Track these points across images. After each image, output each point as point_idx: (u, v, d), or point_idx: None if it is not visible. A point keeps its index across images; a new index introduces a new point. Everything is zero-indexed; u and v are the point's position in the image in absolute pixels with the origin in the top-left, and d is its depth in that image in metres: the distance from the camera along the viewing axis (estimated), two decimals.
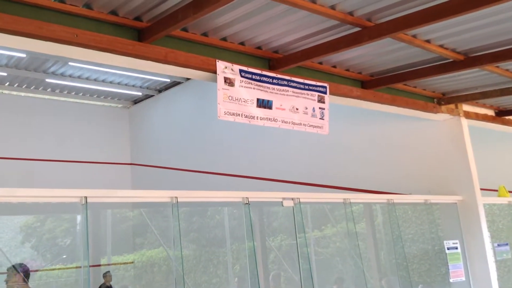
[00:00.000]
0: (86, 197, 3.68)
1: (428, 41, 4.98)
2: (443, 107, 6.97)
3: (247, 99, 4.73)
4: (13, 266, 5.12)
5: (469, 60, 5.44)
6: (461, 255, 6.55)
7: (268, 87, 4.92)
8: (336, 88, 5.59)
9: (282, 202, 5.10)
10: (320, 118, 5.31)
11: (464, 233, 6.70)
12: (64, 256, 11.47)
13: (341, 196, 5.85)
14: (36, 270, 10.45)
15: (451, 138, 7.04)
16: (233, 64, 4.70)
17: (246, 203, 4.72)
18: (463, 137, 6.92)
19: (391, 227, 6.28)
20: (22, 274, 5.01)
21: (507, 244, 7.20)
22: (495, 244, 6.93)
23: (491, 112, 7.96)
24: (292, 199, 5.12)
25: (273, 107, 4.93)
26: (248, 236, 4.76)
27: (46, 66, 11.11)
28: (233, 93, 4.63)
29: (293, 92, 5.10)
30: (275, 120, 4.95)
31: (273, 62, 5.20)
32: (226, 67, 4.64)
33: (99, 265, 10.09)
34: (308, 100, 5.22)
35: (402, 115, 6.93)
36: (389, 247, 6.72)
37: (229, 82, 4.63)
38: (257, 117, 4.80)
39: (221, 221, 9.64)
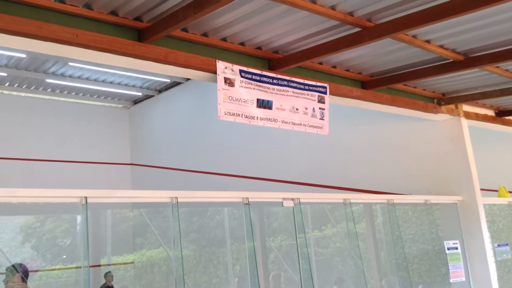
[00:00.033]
0: (86, 197, 3.68)
1: (428, 41, 4.98)
2: (443, 108, 6.97)
3: (247, 99, 4.73)
4: (13, 265, 5.12)
5: (469, 60, 5.44)
6: (461, 255, 6.55)
7: (268, 88, 4.92)
8: (336, 88, 5.59)
9: (282, 202, 5.10)
10: (320, 119, 5.31)
11: (464, 233, 6.70)
12: (64, 256, 11.46)
13: (341, 196, 5.85)
14: (36, 270, 10.45)
15: (451, 139, 7.04)
16: (233, 65, 4.71)
17: (246, 203, 4.72)
18: (463, 138, 6.92)
19: (391, 227, 6.28)
20: (22, 274, 5.01)
21: (507, 245, 7.20)
22: (495, 245, 6.93)
23: (491, 112, 7.96)
24: (292, 199, 5.12)
25: (273, 107, 4.93)
26: (248, 236, 4.76)
27: (46, 66, 11.11)
28: (233, 94, 4.63)
29: (293, 92, 5.11)
30: (275, 120, 4.95)
31: (273, 63, 5.20)
32: (226, 68, 4.64)
33: (99, 265, 10.09)
34: (308, 100, 5.23)
35: (402, 115, 6.93)
36: (389, 247, 6.72)
37: (229, 82, 4.63)
38: (257, 118, 4.80)
39: (221, 221, 9.64)
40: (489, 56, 5.30)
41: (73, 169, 12.44)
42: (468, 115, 7.22)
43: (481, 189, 6.85)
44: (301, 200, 5.16)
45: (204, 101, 11.50)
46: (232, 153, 10.76)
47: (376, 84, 6.11)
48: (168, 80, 12.49)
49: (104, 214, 10.11)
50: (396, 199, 6.33)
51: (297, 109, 5.12)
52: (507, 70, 6.02)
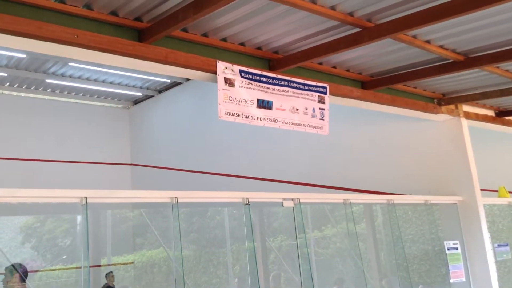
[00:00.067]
0: (86, 198, 3.68)
1: (428, 41, 4.98)
2: (443, 108, 6.97)
3: (247, 100, 4.73)
4: (13, 265, 5.12)
5: (469, 60, 5.44)
6: (461, 255, 6.55)
7: (268, 88, 4.92)
8: (336, 88, 5.59)
9: (282, 202, 5.10)
10: (320, 119, 5.31)
11: (464, 234, 6.70)
12: (64, 257, 11.46)
13: (341, 196, 5.85)
14: (36, 271, 10.45)
15: (451, 139, 7.04)
16: (233, 65, 4.71)
17: (246, 204, 4.72)
18: (463, 138, 6.92)
19: (391, 228, 6.28)
20: (22, 274, 5.01)
21: (507, 245, 7.20)
22: (495, 245, 6.93)
23: (491, 113, 7.96)
24: (292, 199, 5.12)
25: (273, 107, 4.93)
26: (248, 236, 4.76)
27: (46, 66, 11.11)
28: (233, 94, 4.63)
29: (293, 92, 5.11)
30: (275, 120, 4.95)
31: (273, 63, 5.20)
32: (226, 68, 4.64)
33: (99, 266, 10.09)
34: (308, 100, 5.23)
35: (402, 115, 6.93)
36: (389, 247, 6.72)
37: (229, 82, 4.64)
38: (257, 118, 4.80)
39: (221, 221, 9.64)
40: (489, 56, 5.31)
41: (73, 169, 12.44)
42: (468, 115, 7.22)
43: (481, 190, 6.85)
44: (301, 200, 5.16)
45: (204, 101, 11.50)
46: (232, 153, 10.76)
47: (376, 84, 6.11)
48: (168, 80, 12.49)
49: (104, 214, 10.10)
50: (396, 199, 6.33)
51: (297, 109, 5.12)
52: (507, 71, 6.02)
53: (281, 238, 8.94)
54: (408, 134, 7.49)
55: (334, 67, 5.72)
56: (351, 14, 4.32)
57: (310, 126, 5.23)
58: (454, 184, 6.88)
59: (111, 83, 12.50)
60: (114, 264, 10.59)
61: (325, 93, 5.37)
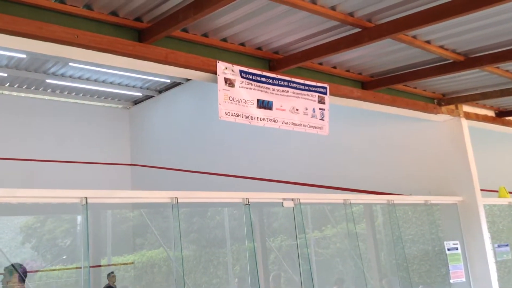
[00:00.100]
0: (86, 198, 3.68)
1: (428, 42, 4.98)
2: (443, 108, 6.97)
3: (247, 100, 4.73)
4: (12, 265, 5.12)
5: (469, 61, 5.44)
6: (462, 256, 6.55)
7: (268, 88, 4.92)
8: (336, 89, 5.59)
9: (282, 202, 5.10)
10: (320, 119, 5.31)
11: (464, 234, 6.70)
12: (64, 257, 11.46)
13: (341, 196, 5.85)
14: (36, 271, 10.45)
15: (451, 139, 7.04)
16: (233, 65, 4.71)
17: (246, 204, 4.72)
18: (463, 138, 6.92)
19: (391, 228, 6.28)
20: (22, 274, 5.01)
21: (507, 245, 7.20)
22: (496, 245, 6.93)
23: (491, 113, 7.96)
24: (292, 199, 5.12)
25: (273, 107, 4.94)
26: (248, 236, 4.76)
27: (46, 66, 11.11)
28: (233, 94, 4.64)
29: (293, 92, 5.11)
30: (275, 120, 4.95)
31: (273, 63, 5.20)
32: (226, 68, 4.64)
33: (99, 266, 10.09)
34: (308, 100, 5.23)
35: (402, 116, 6.93)
36: (389, 247, 6.72)
37: (229, 82, 4.64)
38: (257, 118, 4.80)
39: (221, 221, 9.65)
40: (489, 56, 5.31)
41: (73, 169, 12.44)
42: (468, 116, 7.22)
43: (481, 190, 6.85)
44: (301, 201, 5.16)
45: (204, 101, 11.50)
46: (232, 153, 10.76)
47: (376, 85, 6.11)
48: (168, 81, 12.49)
49: (104, 214, 10.11)
50: (396, 199, 6.33)
51: (297, 110, 5.12)
52: (507, 71, 6.02)
53: (281, 238, 8.94)
54: (408, 134, 7.50)
55: (334, 67, 5.72)
56: (351, 14, 4.32)
57: (310, 127, 5.23)
58: (454, 184, 6.88)
59: (111, 83, 12.51)
60: (114, 265, 10.59)
61: (325, 93, 5.37)
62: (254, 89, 4.80)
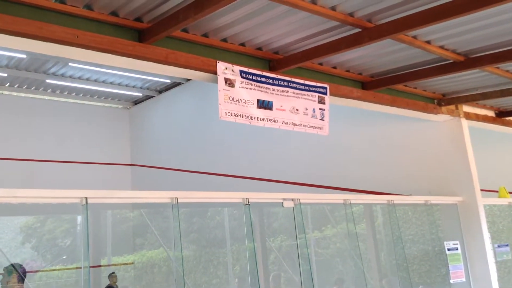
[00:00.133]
0: (86, 198, 3.68)
1: (428, 42, 4.98)
2: (443, 108, 6.97)
3: (247, 100, 4.73)
4: (12, 265, 5.12)
5: (469, 61, 5.44)
6: (462, 256, 6.55)
7: (268, 88, 4.92)
8: (336, 89, 5.59)
9: (282, 202, 5.10)
10: (320, 119, 5.31)
11: (464, 234, 6.70)
12: (64, 257, 11.46)
13: (341, 197, 5.85)
14: (36, 271, 10.45)
15: (451, 139, 7.05)
16: (234, 65, 4.71)
17: (247, 204, 4.72)
18: (463, 138, 6.92)
19: (391, 228, 6.28)
20: (21, 275, 5.01)
21: (507, 245, 7.20)
22: (496, 245, 6.93)
23: (491, 113, 7.96)
24: (293, 199, 5.12)
25: (273, 108, 4.94)
26: (248, 236, 4.76)
27: (46, 67, 11.11)
28: (233, 94, 4.64)
29: (293, 93, 5.11)
30: (275, 121, 4.95)
31: (274, 63, 5.21)
32: (226, 68, 4.64)
33: (99, 266, 10.09)
34: (308, 101, 5.23)
35: (402, 116, 6.94)
36: (390, 248, 6.72)
37: (229, 83, 4.64)
38: (257, 118, 4.80)
39: (221, 221, 9.65)
40: (489, 56, 5.31)
41: (73, 169, 12.44)
42: (468, 116, 7.22)
43: (481, 190, 6.85)
44: (301, 201, 5.16)
45: (204, 101, 11.50)
46: (232, 153, 10.76)
47: (376, 85, 6.11)
48: (169, 81, 12.49)
49: (104, 214, 10.11)
50: (396, 199, 6.33)
51: (297, 110, 5.12)
52: (507, 71, 6.02)
53: (281, 239, 8.94)
54: (408, 135, 7.50)
55: (335, 67, 5.72)
56: (351, 14, 4.32)
57: (310, 127, 5.23)
58: (454, 184, 6.88)
59: (111, 83, 12.50)
60: (114, 265, 10.59)
61: (325, 94, 5.37)
62: (254, 89, 4.80)
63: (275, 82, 4.98)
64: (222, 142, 10.95)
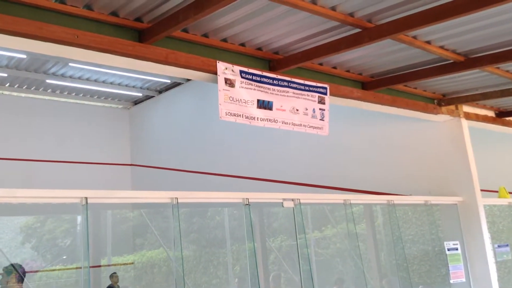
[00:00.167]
0: (86, 198, 3.68)
1: (428, 42, 4.98)
2: (444, 108, 6.97)
3: (247, 100, 4.73)
4: (12, 265, 5.12)
5: (470, 61, 5.44)
6: (462, 256, 6.55)
7: (268, 88, 4.92)
8: (336, 89, 5.59)
9: (282, 203, 5.10)
10: (320, 119, 5.31)
11: (464, 234, 6.70)
12: (64, 257, 11.46)
13: (341, 197, 5.85)
14: (36, 271, 10.46)
15: (451, 139, 7.05)
16: (234, 65, 4.71)
17: (247, 204, 4.72)
18: (463, 138, 6.92)
19: (391, 228, 6.28)
20: (21, 275, 5.01)
21: (507, 245, 7.20)
22: (496, 245, 6.93)
23: (491, 113, 7.96)
24: (293, 200, 5.12)
25: (274, 108, 4.94)
26: (248, 237, 4.76)
27: (46, 67, 11.11)
28: (233, 94, 4.64)
29: (293, 93, 5.11)
30: (275, 121, 4.95)
31: (274, 63, 5.20)
32: (226, 68, 4.64)
33: (99, 266, 10.09)
34: (308, 101, 5.23)
35: (402, 116, 6.94)
36: (389, 248, 6.72)
37: (229, 83, 4.64)
38: (257, 118, 4.80)
39: (221, 222, 9.65)
40: (489, 57, 5.31)
41: (73, 169, 12.44)
42: (468, 116, 7.22)
43: (481, 190, 6.85)
44: (301, 201, 5.16)
45: (204, 101, 11.50)
46: (232, 153, 10.76)
47: (376, 85, 6.11)
48: (169, 81, 12.49)
49: (104, 214, 10.11)
50: (396, 200, 6.33)
51: (297, 110, 5.12)
52: (507, 71, 6.02)
53: (281, 239, 8.94)
54: (408, 135, 7.50)
55: (335, 67, 5.72)
56: (351, 14, 4.32)
57: (310, 127, 5.23)
58: (454, 184, 6.88)
59: (111, 83, 12.51)
60: (114, 265, 10.60)
61: (325, 94, 5.37)
62: (254, 89, 4.80)
63: (275, 82, 4.98)
64: (222, 142, 10.95)
